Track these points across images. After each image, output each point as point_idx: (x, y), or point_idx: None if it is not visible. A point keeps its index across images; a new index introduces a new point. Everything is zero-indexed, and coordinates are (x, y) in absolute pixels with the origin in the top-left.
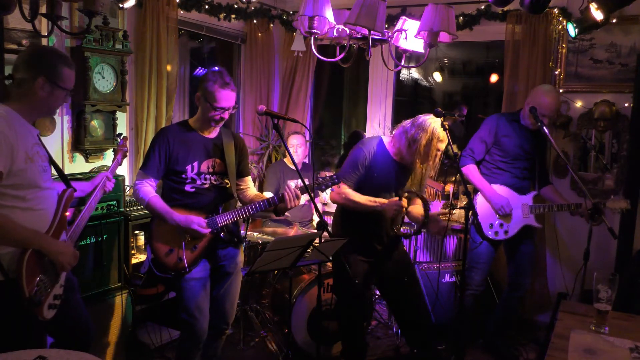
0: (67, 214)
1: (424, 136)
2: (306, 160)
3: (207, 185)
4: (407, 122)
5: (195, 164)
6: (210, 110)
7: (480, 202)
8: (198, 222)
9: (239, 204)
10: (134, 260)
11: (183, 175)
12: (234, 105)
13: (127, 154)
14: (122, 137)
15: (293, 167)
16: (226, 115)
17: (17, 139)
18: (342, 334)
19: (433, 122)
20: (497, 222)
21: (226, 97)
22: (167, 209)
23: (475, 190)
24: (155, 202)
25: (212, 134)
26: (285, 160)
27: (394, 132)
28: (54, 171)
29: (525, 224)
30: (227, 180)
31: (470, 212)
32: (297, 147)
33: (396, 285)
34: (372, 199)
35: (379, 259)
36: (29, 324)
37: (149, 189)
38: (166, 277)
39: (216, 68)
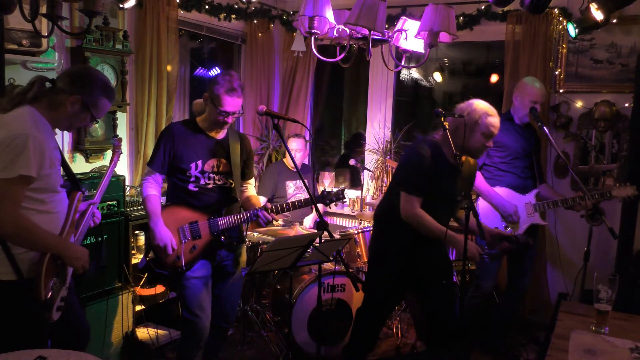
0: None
1: (481, 115)
2: (306, 161)
3: (210, 185)
4: (457, 114)
5: (200, 162)
6: (214, 113)
7: (482, 205)
8: (170, 242)
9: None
10: (134, 260)
11: (187, 174)
12: (239, 111)
13: (121, 156)
14: (117, 138)
15: (292, 168)
16: (230, 120)
17: (45, 144)
18: (354, 329)
19: (479, 103)
20: (502, 225)
21: (231, 103)
22: (156, 211)
23: (476, 194)
24: (148, 201)
25: (219, 134)
26: (284, 160)
27: (442, 132)
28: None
29: (531, 223)
30: (231, 181)
31: (472, 212)
32: (296, 152)
33: (433, 288)
34: (452, 233)
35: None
36: (38, 324)
37: (152, 185)
38: (163, 274)
39: (226, 71)
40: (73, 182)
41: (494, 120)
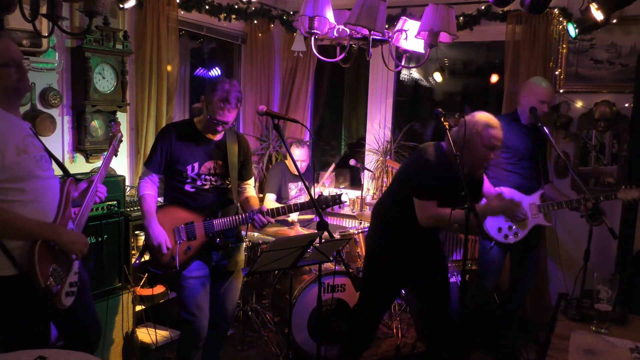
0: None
1: (482, 127)
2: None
3: (207, 186)
4: (458, 125)
5: (196, 164)
6: (208, 118)
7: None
8: (165, 241)
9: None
10: (134, 261)
11: (184, 175)
12: (231, 122)
13: (122, 139)
14: (115, 121)
15: (294, 171)
16: (224, 124)
17: (3, 134)
18: (350, 327)
19: (481, 115)
20: (506, 225)
21: (223, 114)
22: (151, 211)
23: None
24: (144, 200)
25: (217, 136)
26: (286, 162)
27: (447, 139)
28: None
29: (535, 224)
30: (228, 182)
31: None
32: (301, 163)
33: (430, 286)
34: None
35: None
36: (43, 316)
37: (148, 185)
38: (157, 273)
39: (228, 80)
40: (62, 170)
41: (496, 132)
